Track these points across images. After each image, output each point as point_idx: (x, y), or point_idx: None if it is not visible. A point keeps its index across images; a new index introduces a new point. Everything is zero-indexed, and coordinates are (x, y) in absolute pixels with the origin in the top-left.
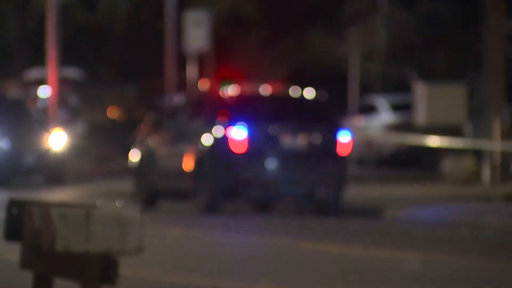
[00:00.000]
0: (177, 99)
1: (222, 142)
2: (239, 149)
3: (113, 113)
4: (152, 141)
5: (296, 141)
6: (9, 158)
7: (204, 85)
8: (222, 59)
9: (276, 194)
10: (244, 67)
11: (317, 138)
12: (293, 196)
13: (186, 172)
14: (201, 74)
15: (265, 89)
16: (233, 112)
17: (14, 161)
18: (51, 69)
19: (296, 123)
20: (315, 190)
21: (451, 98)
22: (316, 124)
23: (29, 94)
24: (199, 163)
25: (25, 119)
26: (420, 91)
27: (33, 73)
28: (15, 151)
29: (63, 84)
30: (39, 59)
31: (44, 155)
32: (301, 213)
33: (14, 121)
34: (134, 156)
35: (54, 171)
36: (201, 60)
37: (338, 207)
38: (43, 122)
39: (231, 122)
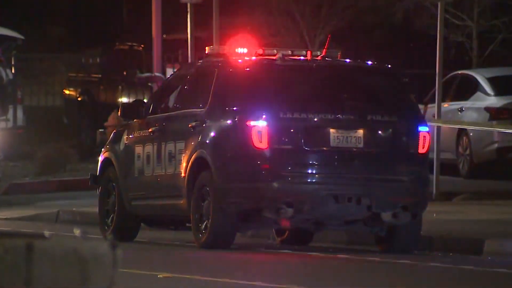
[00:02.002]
0: (169, 72)
1: (237, 138)
2: (263, 148)
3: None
4: (130, 138)
5: (351, 135)
6: None
7: (209, 51)
8: (235, 11)
9: (319, 217)
10: (268, 24)
11: (384, 132)
12: (346, 220)
13: (181, 184)
14: (205, 34)
15: (302, 55)
16: (253, 91)
17: None
18: None
19: (352, 107)
20: (380, 211)
21: None
22: (383, 109)
23: None
24: (201, 170)
25: None
26: None
27: None
28: None
29: None
30: None
31: None
32: (359, 246)
33: None
34: (103, 161)
35: None
36: (204, 12)
37: (415, 238)
38: None
39: (251, 106)
